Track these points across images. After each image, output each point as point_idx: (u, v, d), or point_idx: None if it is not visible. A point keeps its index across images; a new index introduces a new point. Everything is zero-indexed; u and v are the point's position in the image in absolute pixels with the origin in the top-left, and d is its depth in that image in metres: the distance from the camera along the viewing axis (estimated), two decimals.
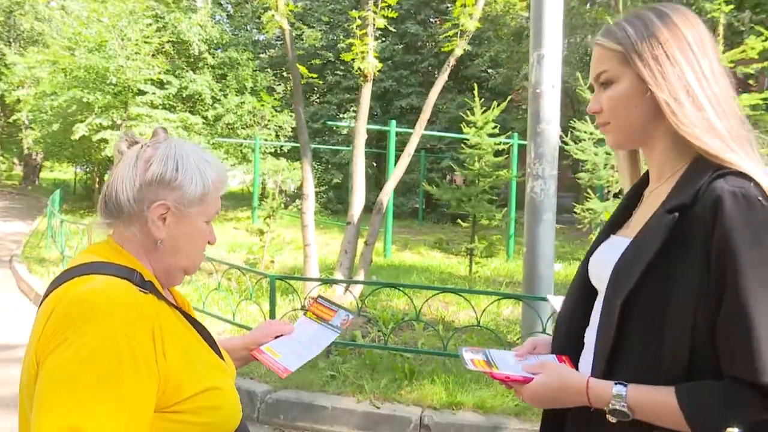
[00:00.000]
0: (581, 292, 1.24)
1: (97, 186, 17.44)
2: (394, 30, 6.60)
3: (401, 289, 4.75)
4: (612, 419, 1.04)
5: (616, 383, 1.04)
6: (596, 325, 1.13)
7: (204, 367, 1.13)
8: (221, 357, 1.25)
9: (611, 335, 1.06)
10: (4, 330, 5.63)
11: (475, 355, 1.23)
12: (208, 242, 1.25)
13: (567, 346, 1.23)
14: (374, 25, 6.11)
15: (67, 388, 0.92)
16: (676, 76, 1.07)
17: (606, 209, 7.23)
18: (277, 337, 1.48)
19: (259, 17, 21.60)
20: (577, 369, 1.17)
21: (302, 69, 6.37)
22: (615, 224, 1.26)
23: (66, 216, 10.57)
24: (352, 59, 6.19)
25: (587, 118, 9.51)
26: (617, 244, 1.15)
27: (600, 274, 1.17)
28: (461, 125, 9.43)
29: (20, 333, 5.59)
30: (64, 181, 25.65)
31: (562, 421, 1.17)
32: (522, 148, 10.99)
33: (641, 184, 1.25)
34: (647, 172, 1.23)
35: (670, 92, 1.07)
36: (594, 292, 1.21)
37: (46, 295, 1.09)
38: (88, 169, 20.38)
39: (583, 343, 1.20)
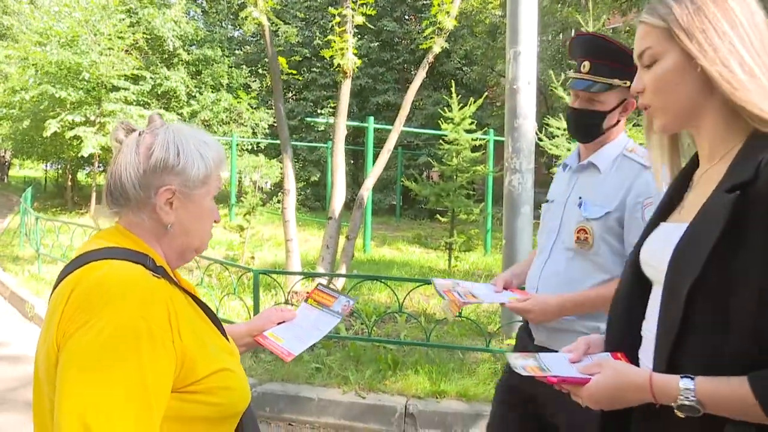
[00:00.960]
0: (633, 284, 1.18)
1: (69, 183, 17.14)
2: (371, 27, 6.65)
3: (384, 281, 4.82)
4: (681, 415, 0.97)
5: (682, 377, 0.96)
6: (655, 317, 1.06)
7: (215, 350, 1.17)
8: (228, 341, 1.29)
9: (675, 326, 0.99)
10: None
11: (526, 361, 1.19)
12: (216, 221, 1.28)
13: (622, 340, 1.16)
14: (353, 22, 6.16)
15: (88, 370, 0.96)
16: (727, 50, 1.03)
17: None
18: (279, 323, 1.53)
19: (234, 13, 21.45)
20: (636, 365, 1.10)
21: (283, 63, 6.39)
22: (664, 211, 1.19)
23: (38, 214, 10.39)
24: (332, 56, 6.23)
25: (561, 115, 9.70)
26: (671, 231, 1.09)
27: (655, 264, 1.11)
28: (438, 121, 9.53)
29: None
30: (34, 178, 25.12)
31: (623, 415, 1.10)
32: (498, 144, 11.17)
33: (690, 168, 1.19)
34: (695, 155, 1.18)
35: (723, 62, 1.02)
36: (647, 283, 1.15)
37: (60, 280, 1.12)
38: (59, 167, 20.01)
39: (640, 337, 1.14)
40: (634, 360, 1.12)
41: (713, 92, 1.04)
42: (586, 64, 1.91)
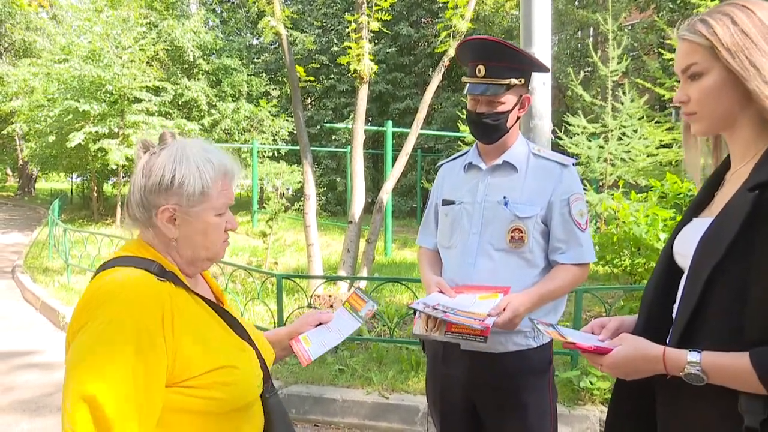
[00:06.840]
0: (666, 271, 1.30)
1: (94, 195, 17.49)
2: (388, 31, 6.66)
3: (404, 283, 4.86)
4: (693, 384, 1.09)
5: (690, 350, 1.09)
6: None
7: (219, 347, 1.23)
8: (248, 340, 1.34)
9: (693, 303, 1.11)
10: (14, 338, 5.72)
11: (546, 327, 1.33)
12: (231, 229, 1.32)
13: (652, 322, 1.27)
14: (368, 28, 6.24)
15: (83, 363, 1.06)
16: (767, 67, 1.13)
17: (601, 201, 7.36)
18: (317, 325, 1.59)
19: (252, 22, 21.69)
20: (665, 343, 1.19)
21: (300, 71, 6.49)
22: (697, 208, 1.31)
23: (66, 225, 10.65)
24: (348, 62, 6.31)
25: (580, 113, 9.67)
26: (701, 224, 1.20)
27: (685, 253, 1.22)
28: (457, 123, 9.55)
29: (29, 341, 5.69)
30: (61, 190, 25.65)
31: (639, 394, 1.25)
32: None
33: (722, 168, 1.31)
34: (728, 158, 1.29)
35: (764, 80, 1.12)
36: (679, 272, 1.26)
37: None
38: (85, 178, 20.40)
39: (671, 319, 1.24)
40: (667, 338, 1.22)
41: (750, 103, 1.15)
42: (482, 68, 1.91)
